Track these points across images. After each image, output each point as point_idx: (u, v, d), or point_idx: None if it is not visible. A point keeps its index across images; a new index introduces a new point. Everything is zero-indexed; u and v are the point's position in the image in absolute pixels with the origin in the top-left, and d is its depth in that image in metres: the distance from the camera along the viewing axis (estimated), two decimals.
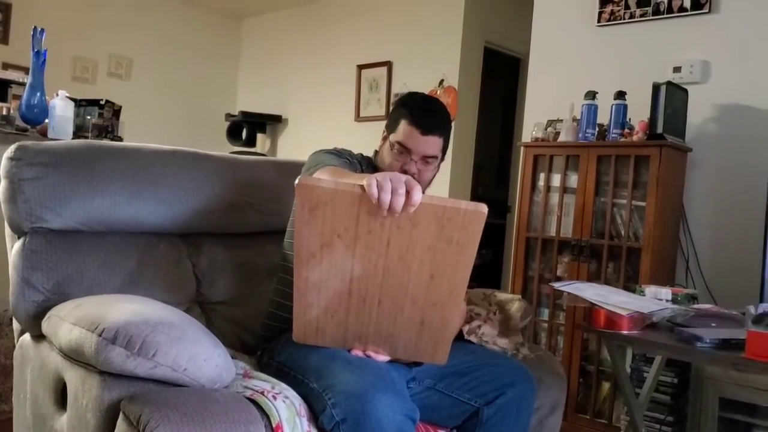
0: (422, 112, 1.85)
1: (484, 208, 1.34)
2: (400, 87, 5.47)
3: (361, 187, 1.30)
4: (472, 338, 1.99)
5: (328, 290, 1.46)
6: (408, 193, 1.29)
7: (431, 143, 1.85)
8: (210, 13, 6.75)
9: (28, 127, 2.85)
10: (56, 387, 1.58)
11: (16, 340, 1.89)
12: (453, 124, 5.24)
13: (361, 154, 2.01)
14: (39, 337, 1.74)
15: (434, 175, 1.94)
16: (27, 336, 1.82)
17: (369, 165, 1.97)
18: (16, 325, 1.87)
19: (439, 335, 1.56)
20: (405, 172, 1.82)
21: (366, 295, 1.48)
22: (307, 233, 1.37)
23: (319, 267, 1.41)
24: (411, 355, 1.65)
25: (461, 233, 1.38)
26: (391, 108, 1.98)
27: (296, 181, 1.30)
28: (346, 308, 1.50)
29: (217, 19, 6.82)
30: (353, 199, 1.33)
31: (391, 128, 1.89)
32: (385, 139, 1.92)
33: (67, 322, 1.53)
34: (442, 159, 1.93)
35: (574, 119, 3.36)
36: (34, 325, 1.74)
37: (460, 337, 1.99)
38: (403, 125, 1.84)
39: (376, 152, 2.00)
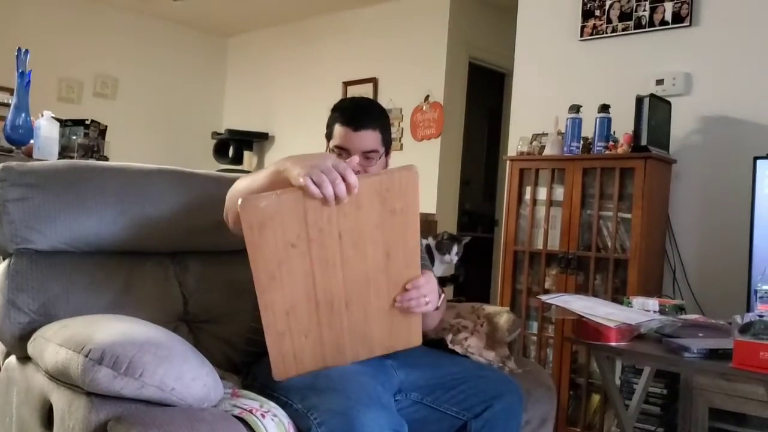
0: (352, 111, 1.88)
1: (414, 168, 1.39)
2: (386, 103, 5.48)
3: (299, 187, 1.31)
4: (458, 348, 1.99)
5: (296, 310, 1.45)
6: (343, 178, 1.33)
7: (366, 138, 1.84)
8: (196, 32, 6.76)
9: (13, 147, 2.84)
10: (42, 409, 1.56)
11: (1, 363, 1.87)
12: (439, 139, 5.22)
13: None
14: (25, 359, 1.72)
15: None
16: (12, 358, 1.80)
17: None
18: (1, 347, 1.86)
19: (408, 316, 1.59)
20: None
21: (333, 300, 1.48)
22: (261, 255, 1.36)
23: (281, 288, 1.41)
24: (388, 347, 1.65)
25: (401, 200, 1.41)
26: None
27: (238, 203, 1.30)
28: (317, 322, 1.50)
29: (202, 37, 6.84)
30: (296, 201, 1.33)
31: (329, 136, 1.91)
32: (327, 149, 1.94)
33: (53, 344, 1.52)
34: (387, 153, 1.92)
35: (559, 133, 3.38)
36: (19, 347, 1.72)
37: (445, 348, 2.00)
38: (336, 128, 1.86)
39: None
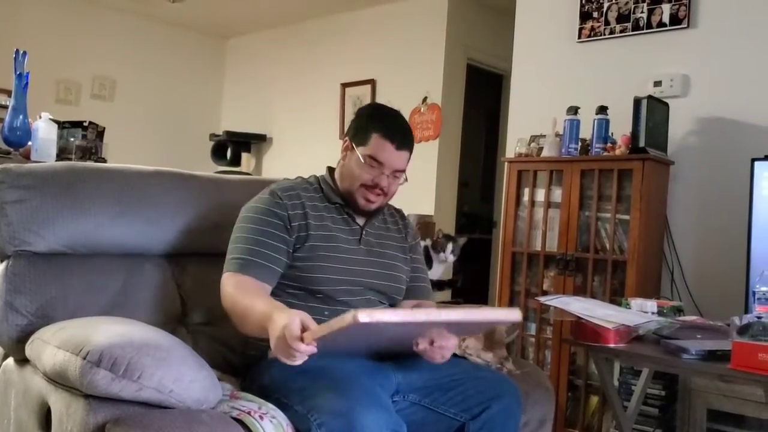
0: (395, 126, 1.88)
1: (519, 314, 1.53)
2: None
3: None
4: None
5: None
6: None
7: (403, 158, 1.87)
8: (194, 34, 6.76)
9: (11, 149, 2.83)
10: (40, 412, 1.56)
11: None
12: (437, 141, 5.26)
13: (315, 176, 2.00)
14: (23, 361, 1.72)
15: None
16: (10, 360, 1.80)
17: (325, 184, 1.94)
18: None
19: None
20: (376, 185, 1.84)
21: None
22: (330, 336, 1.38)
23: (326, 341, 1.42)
24: None
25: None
26: (353, 118, 1.97)
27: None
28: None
29: (201, 39, 6.83)
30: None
31: (360, 141, 1.86)
32: (348, 149, 1.90)
33: (51, 346, 1.52)
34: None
35: (557, 134, 3.38)
36: (17, 349, 1.72)
37: None
38: (375, 139, 1.84)
39: (331, 169, 1.98)
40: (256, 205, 1.85)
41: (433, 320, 1.40)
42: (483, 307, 1.50)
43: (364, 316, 1.27)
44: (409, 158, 1.91)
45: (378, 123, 1.87)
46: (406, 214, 2.14)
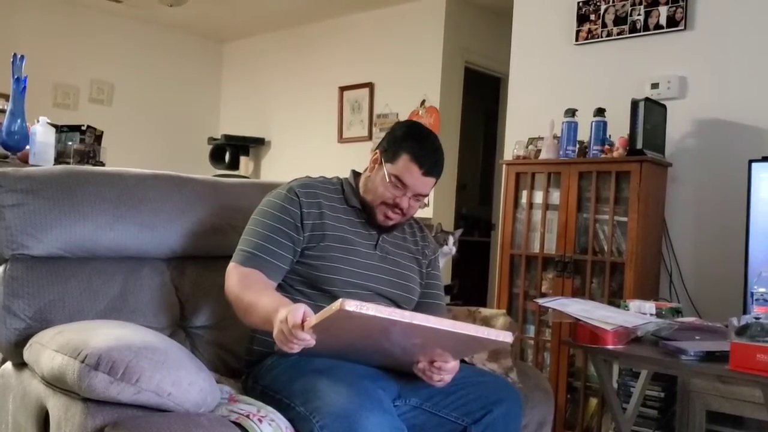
0: (427, 151, 1.84)
1: (511, 336, 1.50)
2: (382, 108, 5.49)
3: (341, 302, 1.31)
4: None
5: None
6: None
7: (428, 184, 1.86)
8: (191, 38, 6.76)
9: (9, 153, 2.83)
10: (39, 416, 1.55)
11: None
12: None
13: (338, 178, 2.00)
14: (21, 365, 1.72)
15: None
16: (8, 364, 1.79)
17: (347, 186, 1.95)
18: None
19: None
20: (396, 205, 1.84)
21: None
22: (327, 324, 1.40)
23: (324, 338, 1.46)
24: None
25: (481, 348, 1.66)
26: (388, 131, 1.94)
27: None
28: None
29: (198, 43, 6.84)
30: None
31: (389, 158, 1.85)
32: (376, 162, 1.89)
33: (49, 349, 1.51)
34: None
35: (555, 136, 3.38)
36: (15, 353, 1.72)
37: None
38: (404, 160, 1.82)
39: (356, 173, 1.98)
40: (272, 200, 1.86)
41: (418, 323, 1.36)
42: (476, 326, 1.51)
43: (351, 305, 1.28)
44: (435, 183, 1.89)
45: (410, 144, 1.84)
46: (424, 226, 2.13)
